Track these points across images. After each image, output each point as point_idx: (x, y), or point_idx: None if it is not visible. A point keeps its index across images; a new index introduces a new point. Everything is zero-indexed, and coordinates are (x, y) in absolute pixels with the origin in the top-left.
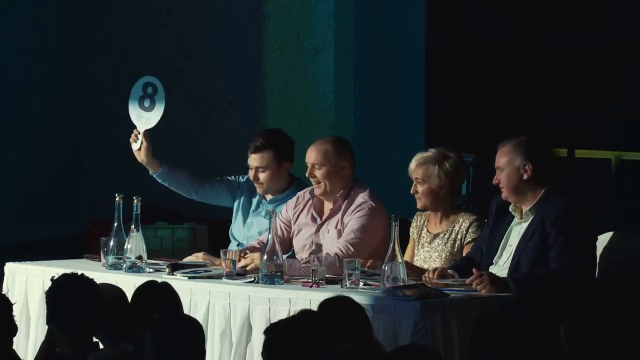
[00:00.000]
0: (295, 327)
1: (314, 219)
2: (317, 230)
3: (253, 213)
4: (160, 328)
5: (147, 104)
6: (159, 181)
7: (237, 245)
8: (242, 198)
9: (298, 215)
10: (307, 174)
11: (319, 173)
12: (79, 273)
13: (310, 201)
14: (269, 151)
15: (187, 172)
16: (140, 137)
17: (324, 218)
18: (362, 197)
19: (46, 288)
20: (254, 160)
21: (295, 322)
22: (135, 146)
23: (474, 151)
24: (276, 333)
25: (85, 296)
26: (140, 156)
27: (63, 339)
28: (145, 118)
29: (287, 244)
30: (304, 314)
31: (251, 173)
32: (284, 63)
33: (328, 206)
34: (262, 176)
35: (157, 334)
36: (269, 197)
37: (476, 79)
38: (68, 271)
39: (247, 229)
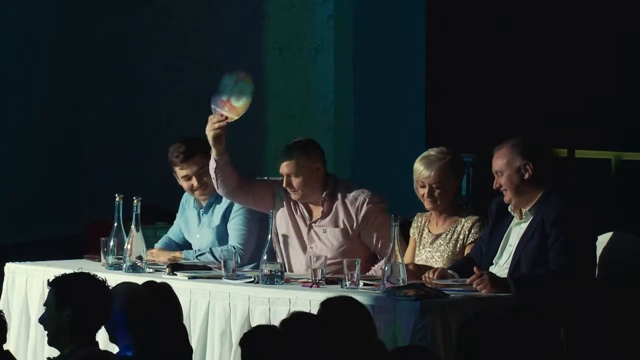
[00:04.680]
0: (270, 337)
1: (304, 219)
2: (309, 230)
3: (199, 225)
4: (145, 335)
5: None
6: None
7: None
8: (184, 216)
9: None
10: (284, 185)
11: (295, 182)
12: (92, 273)
13: (297, 203)
14: (200, 154)
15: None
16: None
17: (314, 219)
18: (358, 193)
19: (46, 288)
20: (192, 165)
21: (271, 331)
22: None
23: (474, 151)
24: (251, 344)
25: (92, 296)
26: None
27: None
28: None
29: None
30: (285, 322)
31: (193, 181)
32: (284, 63)
33: (316, 208)
34: (209, 178)
35: (141, 341)
36: (204, 202)
37: (476, 78)
38: (82, 269)
39: (198, 242)
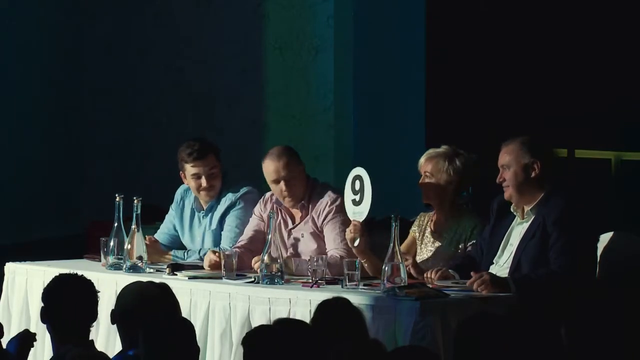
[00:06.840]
0: (272, 337)
1: (285, 224)
2: (289, 235)
3: (190, 226)
4: (151, 335)
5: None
6: None
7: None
8: (179, 213)
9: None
10: (282, 191)
11: (291, 187)
12: (79, 274)
13: (279, 207)
14: (213, 154)
15: None
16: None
17: (295, 223)
18: (328, 197)
19: None
20: (205, 164)
21: (273, 331)
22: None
23: (474, 151)
24: (253, 344)
25: (82, 296)
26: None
27: (57, 337)
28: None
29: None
30: (283, 322)
31: (202, 181)
32: (284, 63)
33: (297, 213)
34: (216, 181)
35: (148, 341)
36: (205, 205)
37: (476, 78)
38: (68, 271)
39: (192, 242)
